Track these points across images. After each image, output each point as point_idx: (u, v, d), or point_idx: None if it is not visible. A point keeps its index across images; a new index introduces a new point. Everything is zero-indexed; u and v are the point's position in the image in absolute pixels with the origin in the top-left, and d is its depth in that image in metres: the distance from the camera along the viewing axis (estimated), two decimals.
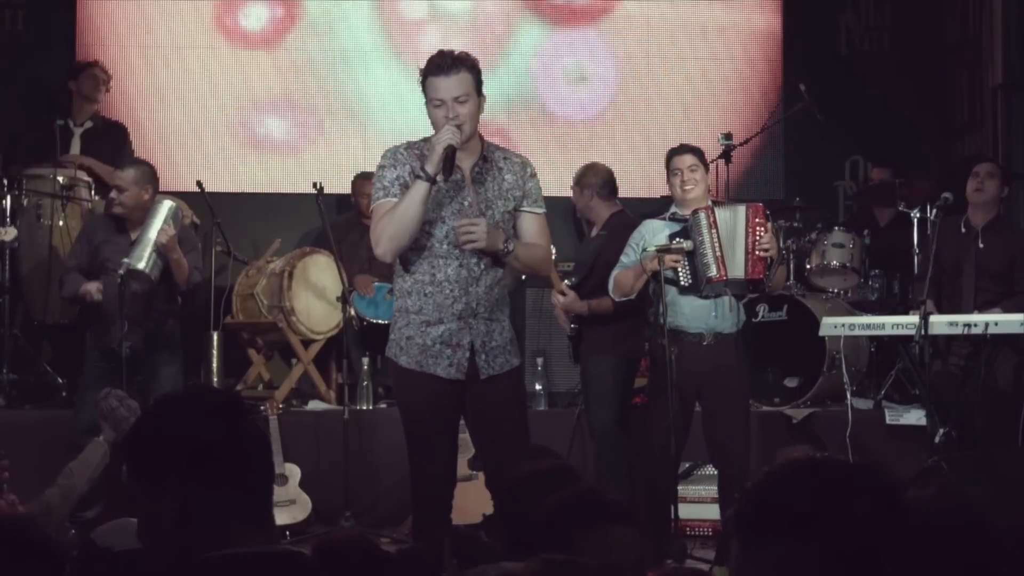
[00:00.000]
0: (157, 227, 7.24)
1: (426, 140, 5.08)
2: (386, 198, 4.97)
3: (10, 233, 7.49)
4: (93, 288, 7.33)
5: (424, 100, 5.04)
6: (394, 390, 5.40)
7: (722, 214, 6.44)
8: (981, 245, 7.81)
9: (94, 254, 7.50)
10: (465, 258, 5.02)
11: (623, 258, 6.59)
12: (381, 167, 5.04)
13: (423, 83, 5.00)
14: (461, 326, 5.03)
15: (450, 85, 4.94)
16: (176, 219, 7.38)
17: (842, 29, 10.38)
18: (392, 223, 4.91)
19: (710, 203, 6.61)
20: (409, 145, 5.10)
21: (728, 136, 8.48)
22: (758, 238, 6.42)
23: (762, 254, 6.44)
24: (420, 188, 4.90)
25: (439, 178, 4.94)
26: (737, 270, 6.39)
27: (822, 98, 9.12)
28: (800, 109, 9.08)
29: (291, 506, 7.48)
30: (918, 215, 8.30)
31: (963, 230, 7.87)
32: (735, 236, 6.42)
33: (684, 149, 6.76)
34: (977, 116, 10.22)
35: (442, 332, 5.02)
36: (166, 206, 7.35)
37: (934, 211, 7.75)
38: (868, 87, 10.16)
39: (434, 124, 5.00)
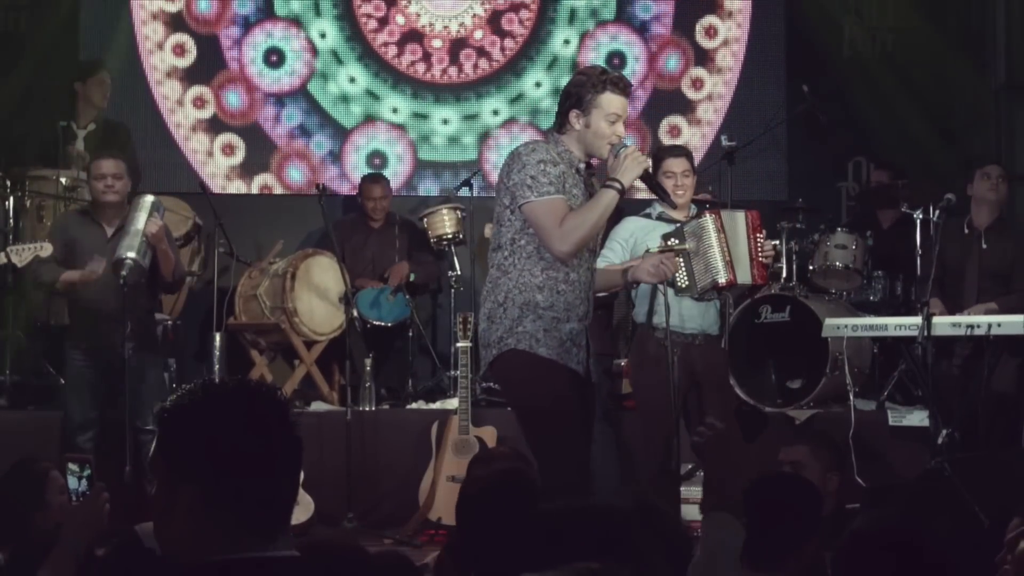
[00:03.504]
0: (143, 219, 7.07)
1: (547, 142, 5.20)
2: (558, 194, 5.04)
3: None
4: (99, 266, 7.09)
5: (582, 107, 5.12)
6: (525, 381, 5.16)
7: (727, 219, 6.40)
8: (984, 246, 7.82)
9: (68, 251, 7.32)
10: (591, 263, 5.25)
11: (607, 252, 6.35)
12: (541, 161, 5.06)
13: (594, 95, 5.12)
14: (581, 328, 5.18)
15: (625, 105, 5.19)
16: (160, 211, 7.26)
17: (845, 30, 10.37)
18: (585, 227, 5.04)
19: (700, 207, 6.61)
20: (552, 144, 5.18)
21: (731, 137, 8.49)
22: (760, 244, 6.40)
23: (766, 261, 6.43)
24: (614, 199, 5.08)
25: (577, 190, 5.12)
26: (744, 276, 6.37)
27: (825, 99, 9.12)
28: (803, 110, 9.07)
29: (294, 507, 7.48)
30: (921, 216, 8.29)
31: (966, 231, 7.89)
32: (738, 242, 6.39)
33: (678, 151, 6.73)
34: (980, 118, 10.22)
35: (569, 330, 5.13)
36: (149, 199, 7.24)
37: (937, 212, 7.76)
38: (871, 88, 10.16)
39: (599, 136, 5.14)
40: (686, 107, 10.23)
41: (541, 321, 5.07)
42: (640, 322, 6.54)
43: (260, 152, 9.97)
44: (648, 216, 6.62)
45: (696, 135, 10.13)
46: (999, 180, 7.83)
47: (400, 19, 10.05)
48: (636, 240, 6.41)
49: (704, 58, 10.26)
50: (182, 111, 9.86)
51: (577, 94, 5.15)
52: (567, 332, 5.10)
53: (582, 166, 5.19)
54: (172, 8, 9.87)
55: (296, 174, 10.00)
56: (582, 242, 5.07)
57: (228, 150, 9.92)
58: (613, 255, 6.37)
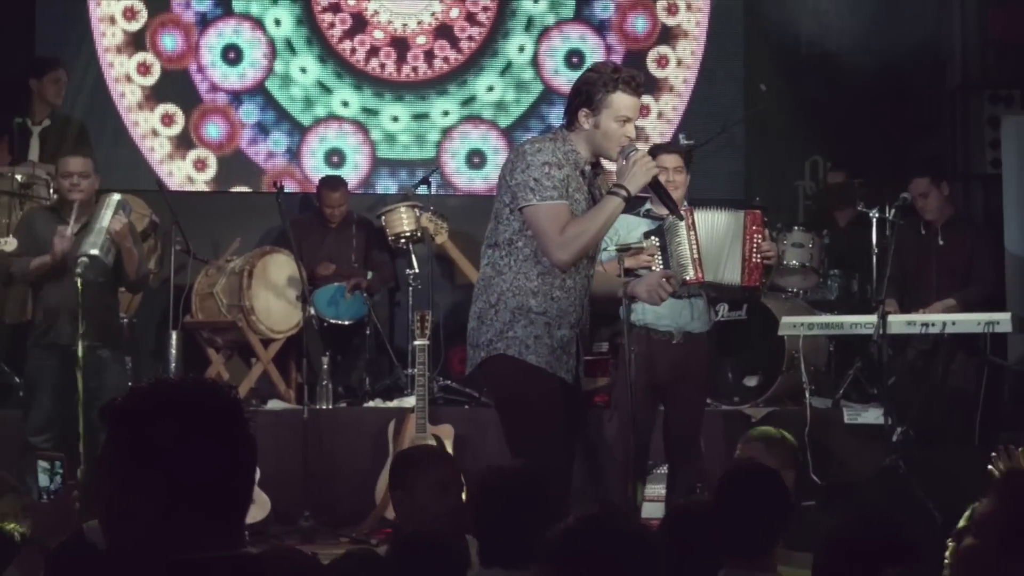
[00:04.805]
0: (109, 217, 7.04)
1: (554, 139, 5.01)
2: (561, 199, 4.88)
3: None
4: (66, 231, 7.02)
5: (592, 106, 4.94)
6: (512, 388, 5.02)
7: (704, 216, 6.39)
8: (941, 242, 7.91)
9: (33, 246, 7.24)
10: (589, 270, 5.07)
11: (601, 253, 6.48)
12: (546, 163, 4.89)
13: (604, 94, 4.93)
14: (572, 335, 5.01)
15: (637, 106, 5.01)
16: (126, 210, 7.22)
17: (802, 29, 10.40)
18: (586, 236, 4.88)
19: (687, 204, 6.60)
20: (556, 143, 4.99)
21: (688, 136, 8.51)
22: (756, 244, 6.38)
23: (764, 261, 6.41)
24: (618, 207, 4.91)
25: (580, 195, 4.98)
26: (733, 276, 6.35)
27: (782, 98, 9.15)
28: (760, 109, 9.10)
29: (250, 506, 7.45)
30: (877, 215, 8.35)
31: (923, 231, 7.96)
32: (730, 241, 6.36)
33: (670, 148, 6.73)
34: (936, 118, 10.28)
35: (561, 337, 4.97)
36: (115, 198, 7.22)
37: (893, 211, 7.82)
38: (828, 87, 10.20)
39: (608, 137, 4.95)
40: (652, 85, 10.22)
41: (533, 327, 4.92)
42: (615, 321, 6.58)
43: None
44: (637, 214, 6.62)
45: (660, 127, 10.13)
46: (919, 199, 8.00)
47: (360, 18, 10.04)
48: (620, 237, 6.39)
49: (662, 65, 10.29)
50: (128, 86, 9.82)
51: (587, 92, 4.95)
52: (558, 339, 4.95)
53: (588, 167, 5.03)
54: (132, 28, 9.83)
55: (214, 130, 9.95)
56: (582, 251, 4.91)
57: (167, 120, 9.88)
58: (604, 255, 6.37)
